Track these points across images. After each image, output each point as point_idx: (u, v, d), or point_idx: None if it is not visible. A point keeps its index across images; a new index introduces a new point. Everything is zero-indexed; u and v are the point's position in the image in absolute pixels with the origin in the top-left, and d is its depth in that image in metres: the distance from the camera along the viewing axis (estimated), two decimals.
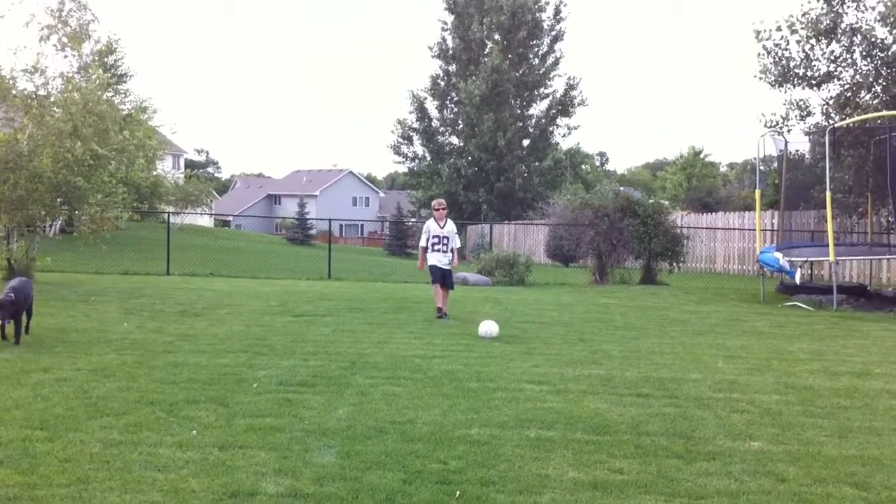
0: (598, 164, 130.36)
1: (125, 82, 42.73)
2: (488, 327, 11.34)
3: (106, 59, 33.80)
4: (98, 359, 9.05)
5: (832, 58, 20.86)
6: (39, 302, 13.26)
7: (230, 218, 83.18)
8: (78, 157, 16.58)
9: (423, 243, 13.98)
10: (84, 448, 5.73)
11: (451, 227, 13.91)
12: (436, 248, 13.77)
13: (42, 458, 5.51)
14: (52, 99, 17.96)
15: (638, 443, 6.18)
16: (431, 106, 60.34)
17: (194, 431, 6.20)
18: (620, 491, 5.14)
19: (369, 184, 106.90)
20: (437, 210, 14.00)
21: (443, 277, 13.71)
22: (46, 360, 8.83)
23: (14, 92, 17.52)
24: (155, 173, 38.66)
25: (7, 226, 17.35)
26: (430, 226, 13.88)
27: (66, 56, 19.19)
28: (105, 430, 6.19)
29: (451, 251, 13.84)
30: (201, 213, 53.14)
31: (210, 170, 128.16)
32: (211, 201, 60.10)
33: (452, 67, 60.27)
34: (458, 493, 5.02)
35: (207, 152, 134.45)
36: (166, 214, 34.24)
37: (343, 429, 6.37)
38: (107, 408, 6.83)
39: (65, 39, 18.88)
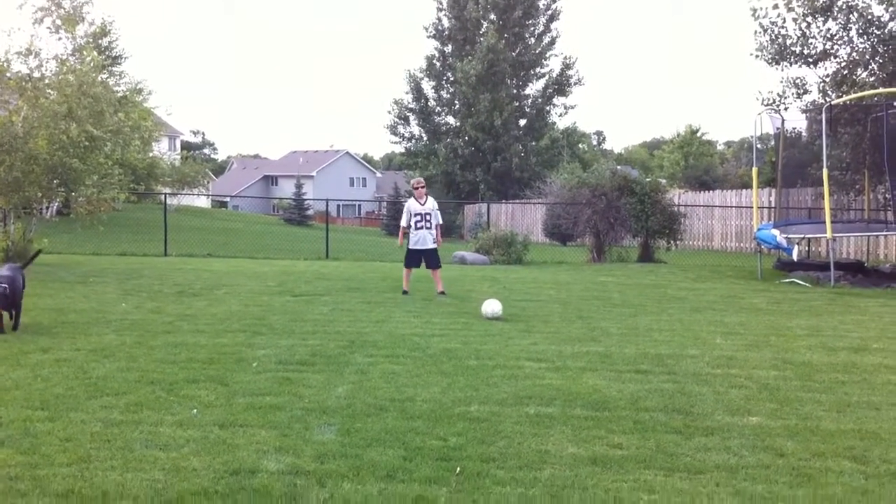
0: (595, 143, 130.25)
1: (120, 64, 42.38)
2: (493, 307, 11.22)
3: (100, 42, 33.57)
4: (97, 339, 9.05)
5: (829, 35, 20.82)
6: (37, 284, 13.28)
7: (227, 199, 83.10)
8: (73, 139, 16.51)
9: (403, 223, 14.34)
10: (85, 427, 5.75)
11: (431, 203, 14.23)
12: (419, 225, 14.01)
13: (43, 437, 5.52)
14: (46, 81, 17.88)
15: (637, 418, 6.20)
16: (427, 86, 60.09)
17: (195, 410, 6.22)
18: (620, 466, 5.17)
19: (366, 164, 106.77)
20: (417, 188, 14.35)
21: (427, 258, 14.05)
22: (45, 341, 8.83)
23: (8, 74, 17.44)
24: (151, 155, 38.52)
25: (3, 208, 17.32)
26: (412, 205, 14.18)
27: (60, 38, 19.15)
28: (105, 409, 6.21)
29: (435, 227, 14.15)
30: (198, 195, 53.08)
31: (206, 151, 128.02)
32: (207, 182, 60.03)
33: (448, 48, 59.96)
34: (458, 469, 5.04)
35: (203, 133, 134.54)
36: (163, 196, 34.15)
37: (343, 407, 6.39)
38: (107, 388, 6.85)
39: (59, 22, 18.80)
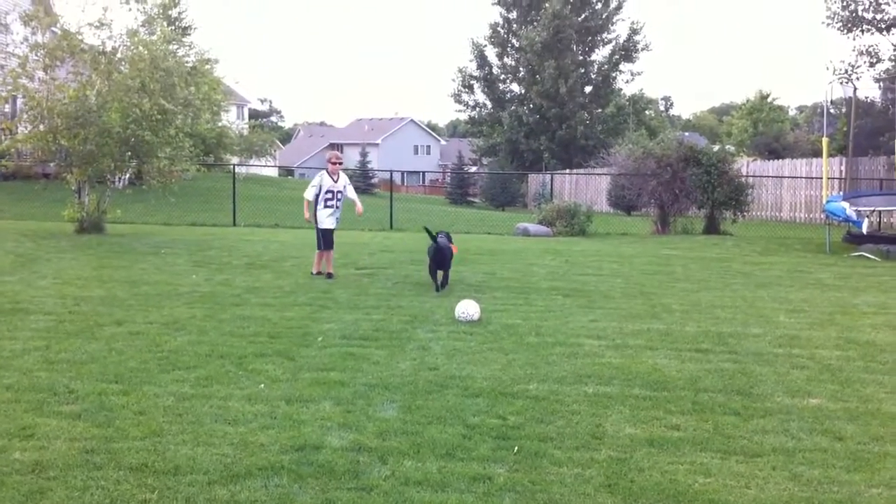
0: (662, 109, 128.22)
1: (189, 35, 42.99)
2: (466, 307, 9.34)
3: (170, 13, 34.05)
4: (169, 312, 9.32)
5: None
6: (112, 255, 13.68)
7: (294, 167, 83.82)
8: (146, 112, 16.88)
9: (308, 196, 12.74)
10: (158, 401, 5.98)
11: (344, 179, 12.90)
12: (328, 203, 12.63)
13: (118, 411, 5.75)
14: (118, 55, 18.22)
15: (695, 399, 6.24)
16: (491, 53, 59.90)
17: (262, 385, 6.42)
18: (676, 448, 5.23)
19: (430, 132, 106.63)
20: (334, 163, 12.84)
21: (329, 239, 12.74)
22: (119, 314, 9.13)
23: (83, 46, 17.82)
24: (220, 124, 38.98)
25: (78, 179, 17.78)
26: (324, 179, 12.66)
27: (130, 9, 19.49)
28: (177, 383, 6.44)
29: (348, 203, 12.97)
30: (266, 165, 53.61)
31: (273, 119, 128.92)
32: (275, 151, 60.59)
33: (513, 14, 59.53)
34: (516, 448, 5.15)
35: (270, 101, 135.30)
36: (232, 166, 34.58)
37: (405, 383, 6.53)
38: (178, 361, 7.09)
39: None
